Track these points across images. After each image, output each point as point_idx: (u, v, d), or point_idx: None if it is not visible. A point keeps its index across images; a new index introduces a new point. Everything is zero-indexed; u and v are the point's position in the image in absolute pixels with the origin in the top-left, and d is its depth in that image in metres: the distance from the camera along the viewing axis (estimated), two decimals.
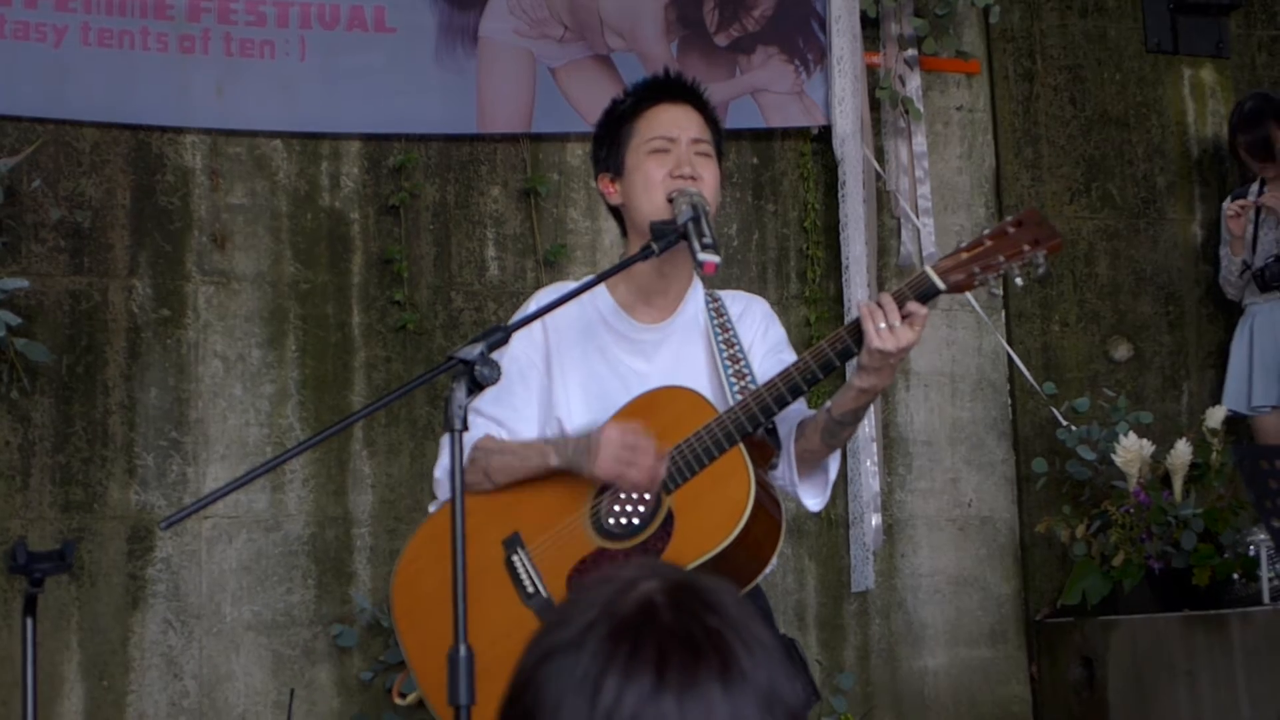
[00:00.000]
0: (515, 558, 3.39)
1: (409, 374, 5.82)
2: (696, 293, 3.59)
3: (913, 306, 3.22)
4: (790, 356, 3.51)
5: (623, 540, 3.34)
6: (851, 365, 3.36)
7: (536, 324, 3.44)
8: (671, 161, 3.48)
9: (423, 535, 3.52)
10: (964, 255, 3.27)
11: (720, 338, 3.52)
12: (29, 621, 3.12)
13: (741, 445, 3.29)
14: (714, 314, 3.55)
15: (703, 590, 1.44)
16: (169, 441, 5.62)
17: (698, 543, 3.24)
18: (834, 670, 6.02)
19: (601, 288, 3.50)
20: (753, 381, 3.43)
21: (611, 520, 3.36)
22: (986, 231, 3.30)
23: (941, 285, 3.24)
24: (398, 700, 3.57)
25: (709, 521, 3.26)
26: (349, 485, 5.76)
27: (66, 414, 5.54)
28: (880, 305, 3.22)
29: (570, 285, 3.51)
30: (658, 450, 3.26)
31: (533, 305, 3.51)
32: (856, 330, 3.25)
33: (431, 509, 3.57)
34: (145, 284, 5.68)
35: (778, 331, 3.63)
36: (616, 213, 3.62)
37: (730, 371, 3.46)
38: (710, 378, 3.49)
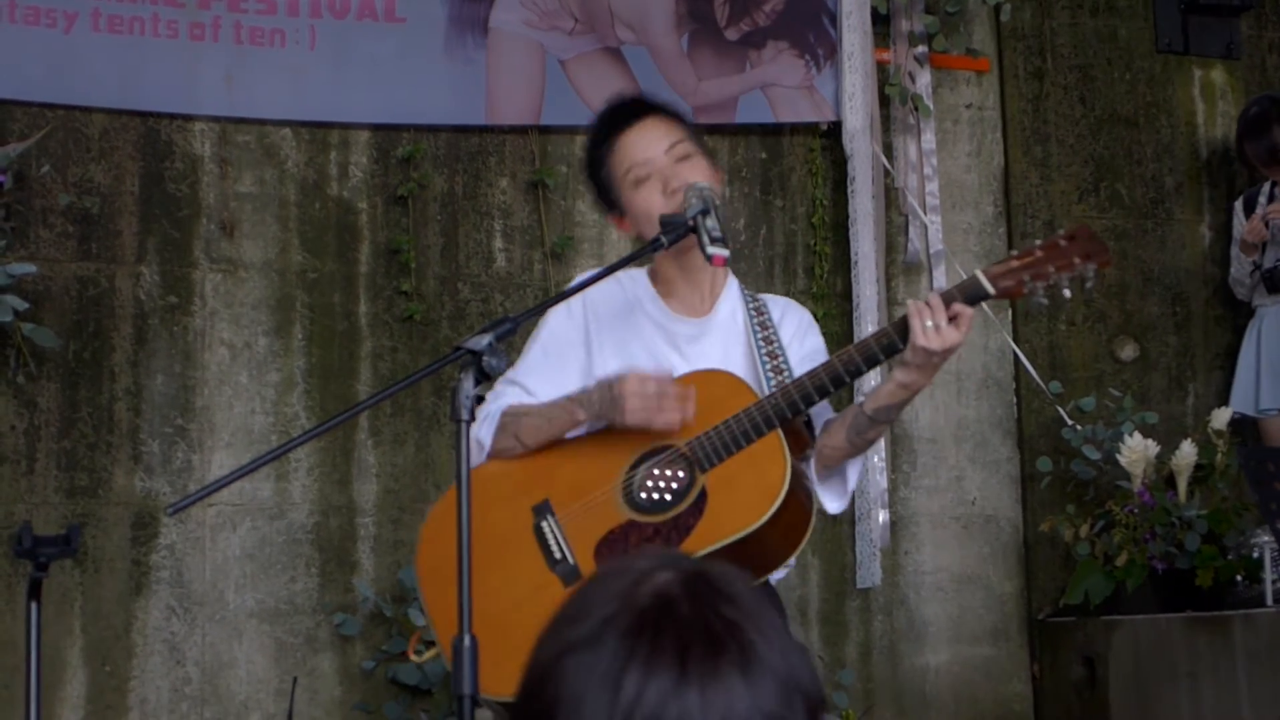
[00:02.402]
0: (545, 524, 3.41)
1: (415, 364, 5.82)
2: (732, 289, 3.62)
3: (959, 308, 3.27)
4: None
5: (654, 514, 3.36)
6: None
7: (576, 301, 3.48)
8: (658, 184, 3.48)
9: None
10: (1014, 263, 3.32)
11: (759, 335, 3.54)
12: (34, 606, 3.12)
13: (780, 431, 3.32)
14: (754, 313, 3.58)
15: (718, 580, 1.45)
16: (174, 428, 5.63)
17: (729, 522, 3.27)
18: (835, 666, 6.02)
19: (642, 273, 3.57)
20: (790, 379, 3.45)
21: (644, 494, 3.37)
22: (1038, 242, 3.35)
23: (991, 289, 3.30)
24: (413, 657, 3.57)
25: (742, 502, 3.29)
26: (353, 474, 5.76)
27: (73, 399, 5.55)
28: (928, 304, 3.27)
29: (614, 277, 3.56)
30: (681, 391, 3.31)
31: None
32: (903, 327, 3.29)
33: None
34: (153, 271, 5.69)
35: (815, 340, 3.65)
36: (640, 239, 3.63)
37: (768, 367, 3.48)
38: (748, 374, 3.49)
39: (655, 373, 3.34)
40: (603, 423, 3.39)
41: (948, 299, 3.28)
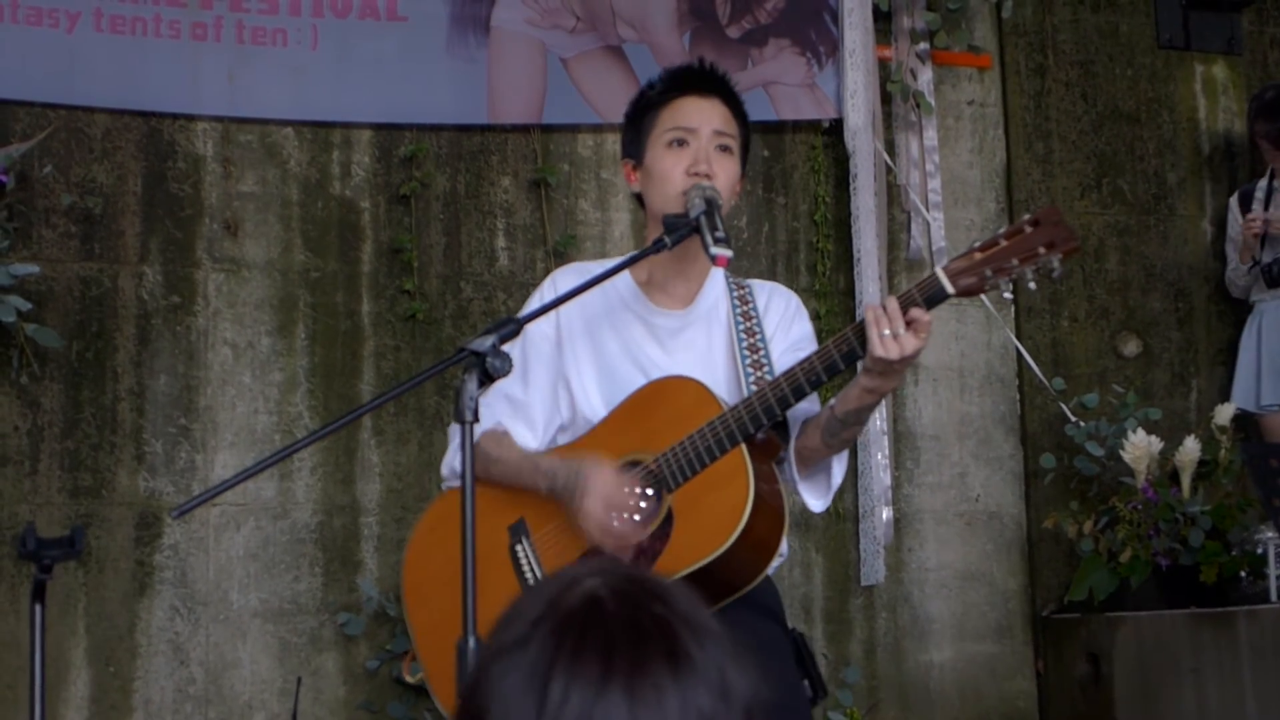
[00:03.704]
0: (519, 547, 3.38)
1: (418, 363, 5.82)
2: (716, 279, 3.54)
3: (917, 314, 3.12)
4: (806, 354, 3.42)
5: None
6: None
7: (549, 293, 3.41)
8: (689, 157, 3.43)
9: (435, 513, 3.52)
10: (977, 255, 3.16)
11: (741, 326, 3.47)
12: (38, 608, 3.11)
13: (744, 447, 3.24)
14: (738, 302, 3.50)
15: (648, 583, 1.43)
16: (178, 428, 5.63)
17: (694, 548, 3.20)
18: (840, 664, 6.02)
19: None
20: (770, 372, 3.37)
21: (614, 515, 3.34)
22: (1002, 230, 3.19)
23: (951, 290, 3.14)
24: (407, 678, 3.58)
25: (706, 526, 3.21)
26: (357, 474, 5.77)
27: (76, 400, 5.55)
28: (885, 311, 3.13)
29: (590, 265, 3.50)
30: (637, 523, 3.27)
31: (547, 286, 3.51)
32: (862, 333, 3.16)
33: (444, 486, 3.57)
34: (155, 270, 5.69)
35: (802, 328, 3.56)
36: (638, 198, 3.58)
37: (748, 361, 3.41)
38: (727, 367, 3.45)
39: (620, 488, 3.27)
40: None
41: (906, 303, 3.13)
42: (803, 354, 3.39)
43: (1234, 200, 6.53)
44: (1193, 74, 6.79)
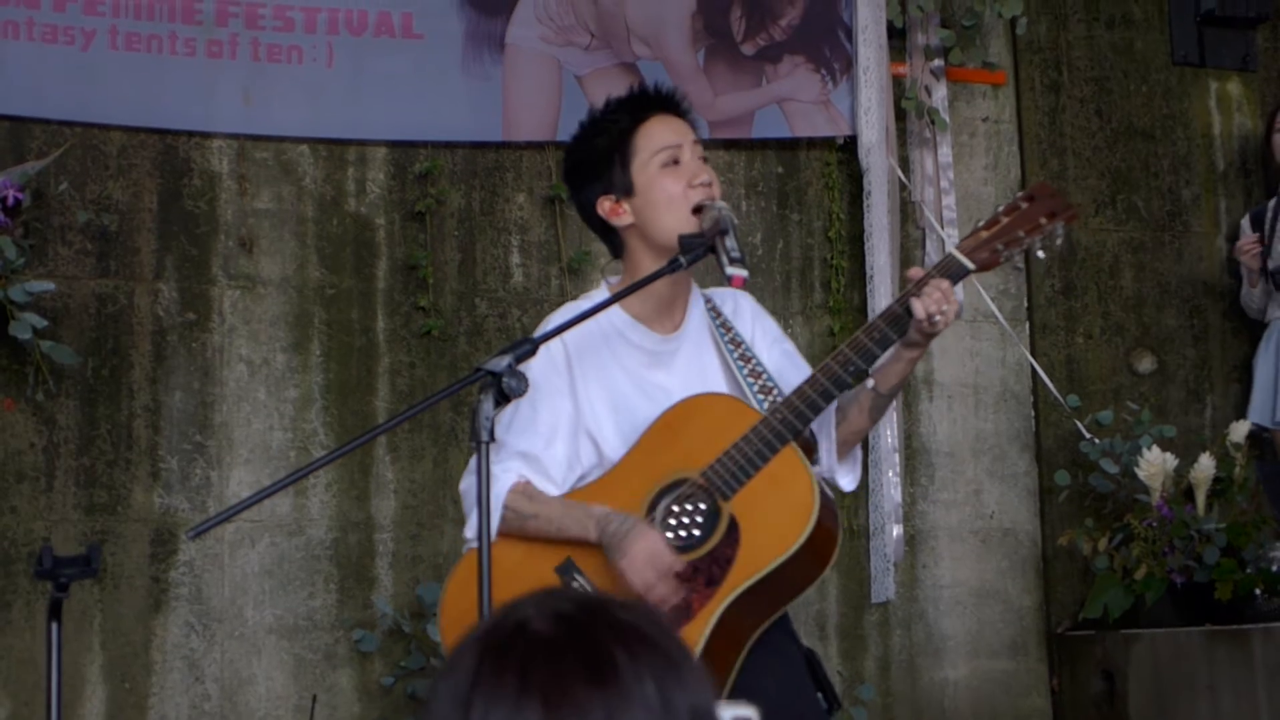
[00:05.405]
0: (575, 583, 3.32)
1: (433, 380, 5.83)
2: (697, 298, 3.58)
3: (941, 283, 3.31)
4: (789, 345, 3.60)
5: (688, 552, 3.30)
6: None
7: (556, 343, 3.38)
8: (686, 173, 3.46)
9: (465, 568, 3.41)
10: (984, 234, 3.35)
11: (726, 338, 3.51)
12: (54, 626, 3.12)
13: (794, 445, 3.29)
14: (713, 314, 3.55)
15: (586, 601, 1.46)
16: (193, 445, 5.64)
17: (768, 546, 3.24)
18: (854, 681, 6.02)
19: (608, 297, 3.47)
20: (769, 379, 3.43)
21: (670, 535, 3.31)
22: (1000, 209, 3.38)
23: (970, 265, 3.33)
24: None
25: (777, 525, 3.25)
26: (371, 490, 5.77)
27: (91, 417, 5.56)
28: (938, 288, 3.28)
29: (582, 304, 3.49)
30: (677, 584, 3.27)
31: (550, 328, 3.50)
32: (892, 319, 3.32)
33: (465, 549, 3.49)
34: (171, 287, 5.70)
35: (768, 323, 3.64)
36: (610, 234, 3.56)
37: (745, 371, 3.45)
38: (727, 380, 3.47)
39: (665, 555, 3.25)
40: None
41: (929, 279, 3.33)
42: (785, 345, 3.58)
43: (1245, 222, 6.51)
44: (1207, 90, 6.79)
